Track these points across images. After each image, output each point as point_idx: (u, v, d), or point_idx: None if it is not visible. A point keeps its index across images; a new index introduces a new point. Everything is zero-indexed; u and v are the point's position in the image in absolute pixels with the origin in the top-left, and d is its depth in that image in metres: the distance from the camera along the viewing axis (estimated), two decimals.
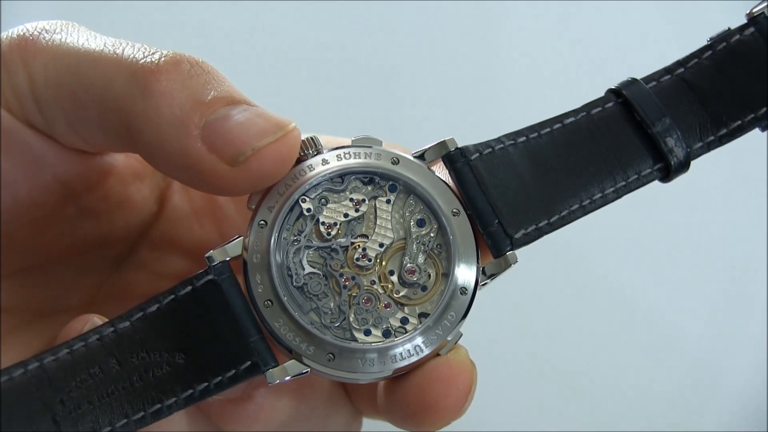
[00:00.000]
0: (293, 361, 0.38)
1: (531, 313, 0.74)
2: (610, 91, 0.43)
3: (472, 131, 0.74)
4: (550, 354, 0.74)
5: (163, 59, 0.37)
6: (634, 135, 0.42)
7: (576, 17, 0.79)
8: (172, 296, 0.39)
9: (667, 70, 0.43)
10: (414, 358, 0.38)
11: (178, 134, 0.37)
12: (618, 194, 0.42)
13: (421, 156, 0.41)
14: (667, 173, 0.42)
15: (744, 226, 0.77)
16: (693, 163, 0.78)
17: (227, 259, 0.39)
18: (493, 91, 0.78)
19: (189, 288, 0.39)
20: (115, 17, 0.78)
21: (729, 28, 0.43)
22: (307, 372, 0.38)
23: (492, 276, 0.40)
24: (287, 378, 0.38)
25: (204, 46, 0.78)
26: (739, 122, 0.43)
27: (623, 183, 0.42)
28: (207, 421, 0.41)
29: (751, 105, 0.43)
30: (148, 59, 0.38)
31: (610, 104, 0.42)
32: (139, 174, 0.46)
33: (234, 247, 0.39)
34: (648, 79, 0.43)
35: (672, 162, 0.42)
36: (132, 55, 0.38)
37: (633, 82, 0.42)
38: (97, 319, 0.39)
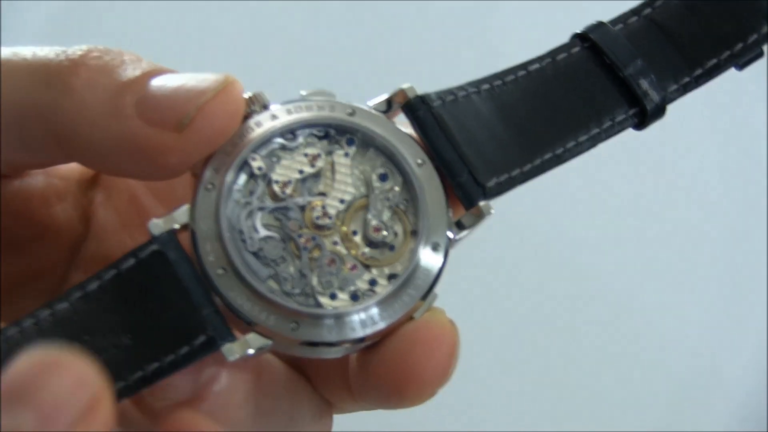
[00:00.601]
0: (253, 333, 0.34)
1: (531, 313, 0.74)
2: (576, 35, 0.40)
3: None
4: (548, 354, 0.74)
5: (76, 53, 0.35)
6: (605, 79, 0.39)
7: (574, 15, 0.80)
8: (115, 271, 0.35)
9: (634, 12, 0.41)
10: (387, 322, 0.35)
11: (112, 120, 0.34)
12: (593, 142, 0.39)
13: (378, 107, 0.38)
14: (642, 119, 0.39)
15: (744, 225, 0.77)
16: (693, 160, 0.79)
17: (174, 228, 0.35)
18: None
19: (132, 261, 0.35)
20: (115, 17, 0.78)
21: None
22: (269, 345, 0.34)
23: (465, 231, 0.37)
24: (250, 352, 0.34)
25: (204, 46, 0.78)
26: (715, 60, 0.40)
27: (597, 130, 0.39)
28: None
29: (725, 42, 0.40)
30: (61, 57, 0.35)
31: (576, 49, 0.40)
32: (60, 194, 0.42)
33: (180, 216, 0.35)
34: (615, 21, 0.40)
35: (647, 106, 0.39)
36: (43, 58, 0.35)
37: (599, 25, 0.40)
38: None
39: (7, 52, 0.36)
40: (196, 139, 0.34)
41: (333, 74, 0.77)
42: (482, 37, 0.79)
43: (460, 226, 0.37)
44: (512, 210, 0.75)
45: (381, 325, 0.35)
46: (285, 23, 0.80)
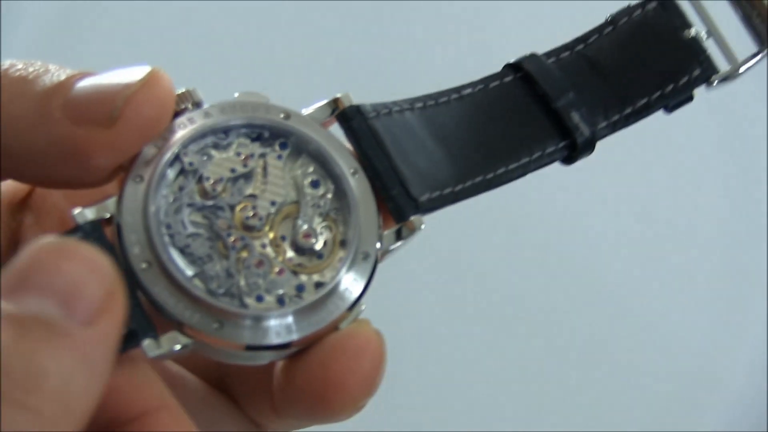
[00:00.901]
0: (174, 332, 0.33)
1: (531, 314, 0.74)
2: (508, 65, 0.40)
3: None
4: (548, 354, 0.74)
5: None
6: (536, 110, 0.39)
7: (572, 15, 0.79)
8: None
9: (566, 47, 0.40)
10: (309, 329, 0.34)
11: (40, 127, 0.33)
12: (524, 171, 0.38)
13: (313, 114, 0.37)
14: (573, 151, 0.39)
15: (744, 225, 0.77)
16: (693, 160, 0.79)
17: (99, 218, 0.34)
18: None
19: None
20: (114, 17, 0.78)
21: (629, 5, 0.41)
22: (189, 344, 0.33)
23: (395, 244, 0.36)
24: (176, 347, 0.33)
25: (204, 46, 0.78)
26: (646, 100, 0.40)
27: (527, 159, 0.38)
28: None
29: (657, 82, 0.40)
30: None
31: (509, 78, 0.39)
32: None
33: (106, 207, 0.34)
34: (547, 55, 0.40)
35: (578, 140, 0.39)
36: None
37: (532, 56, 0.40)
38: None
39: None
40: (126, 133, 0.33)
41: (304, 77, 0.77)
42: (467, 36, 0.79)
43: (389, 239, 0.36)
44: (512, 210, 0.75)
45: (303, 333, 0.34)
46: (278, 26, 0.80)
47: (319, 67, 0.78)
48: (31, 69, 0.34)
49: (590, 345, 0.74)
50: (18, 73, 0.34)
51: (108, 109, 0.33)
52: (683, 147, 0.78)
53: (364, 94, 0.38)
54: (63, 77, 0.34)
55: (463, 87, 0.39)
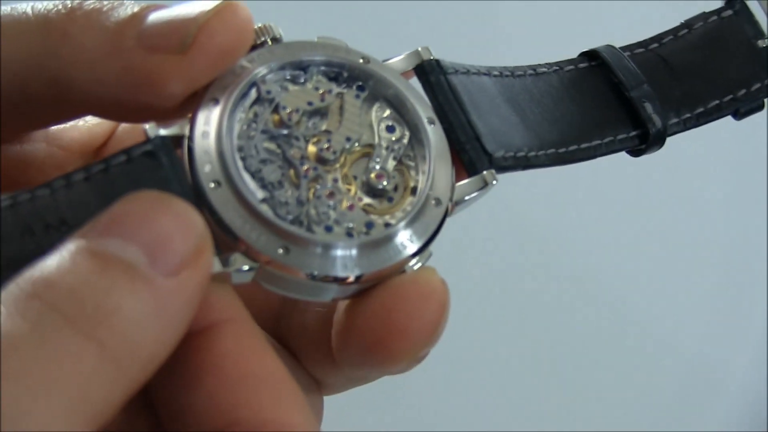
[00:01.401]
0: (237, 254, 0.32)
1: (531, 314, 0.74)
2: (583, 53, 0.40)
3: None
4: (548, 354, 0.74)
5: (71, 2, 0.35)
6: (611, 97, 0.39)
7: (572, 15, 0.80)
8: (103, 166, 0.33)
9: (641, 44, 0.41)
10: (377, 267, 0.33)
11: (113, 57, 0.33)
12: (594, 153, 0.39)
13: (393, 65, 0.37)
14: (643, 142, 0.39)
15: (744, 225, 0.77)
16: (694, 159, 0.79)
17: (172, 135, 0.33)
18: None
19: (123, 157, 0.33)
20: None
21: (704, 11, 0.41)
22: (253, 268, 0.32)
23: (467, 195, 0.36)
24: (240, 268, 0.32)
25: None
26: (717, 102, 0.41)
27: (599, 142, 0.39)
28: None
29: (729, 86, 0.41)
30: (58, 7, 0.35)
31: (584, 64, 0.40)
32: (60, 164, 0.41)
33: (179, 127, 0.34)
34: (622, 49, 0.41)
35: (650, 130, 0.39)
36: (41, 10, 0.35)
37: (609, 46, 0.40)
38: None
39: (6, 9, 0.35)
40: (200, 60, 0.33)
41: None
42: (481, 35, 0.79)
43: (462, 190, 0.36)
44: (513, 210, 0.75)
45: (369, 268, 0.33)
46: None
47: None
48: (105, 1, 0.35)
49: (590, 345, 0.74)
50: (92, 6, 0.34)
51: (181, 36, 0.33)
52: (684, 145, 0.78)
53: None
54: (136, 9, 0.34)
55: (539, 66, 0.39)
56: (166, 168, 0.33)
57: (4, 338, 0.26)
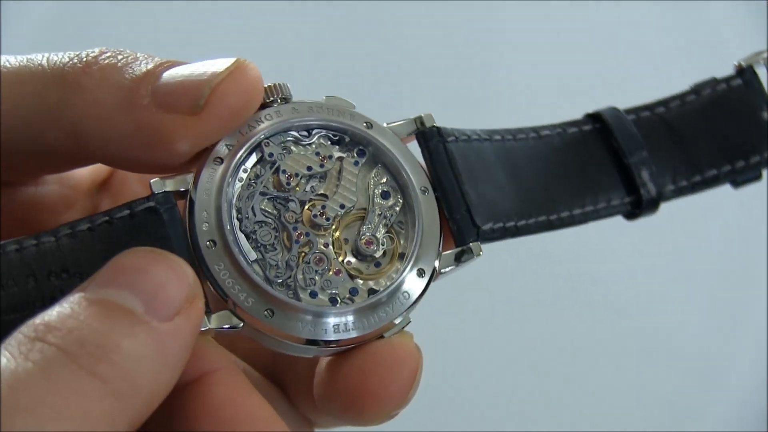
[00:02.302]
0: (226, 311, 0.35)
1: (532, 316, 0.74)
2: (589, 115, 0.42)
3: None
4: (549, 355, 0.74)
5: (86, 57, 0.36)
6: (609, 162, 0.41)
7: (571, 16, 0.80)
8: (107, 218, 0.35)
9: (648, 107, 0.42)
10: (353, 334, 0.35)
11: (127, 113, 0.35)
12: (585, 219, 0.40)
13: (395, 129, 0.39)
14: (636, 207, 0.41)
15: (744, 226, 0.77)
16: None
17: (175, 190, 0.36)
18: (490, 92, 0.78)
19: (126, 212, 0.35)
20: (114, 17, 0.78)
21: (715, 78, 0.42)
22: (239, 327, 0.35)
23: (452, 266, 0.37)
24: (224, 326, 0.34)
25: (206, 46, 0.78)
26: (715, 172, 0.42)
27: (591, 208, 0.40)
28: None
29: (729, 156, 0.42)
30: (74, 60, 0.36)
31: (588, 127, 0.41)
32: (69, 202, 0.43)
33: (184, 181, 0.36)
34: (627, 111, 0.42)
35: (644, 197, 0.40)
36: (57, 62, 0.36)
37: (613, 109, 0.41)
38: None
39: (22, 58, 0.36)
40: (211, 121, 0.35)
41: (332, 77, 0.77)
42: (484, 38, 0.79)
43: (447, 260, 0.37)
44: None
45: (353, 334, 0.35)
46: (284, 24, 0.80)
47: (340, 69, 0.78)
48: (120, 57, 0.36)
49: (591, 345, 0.74)
50: (107, 60, 0.36)
51: (194, 97, 0.34)
52: None
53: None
54: (151, 66, 0.35)
55: (543, 128, 0.41)
56: (167, 225, 0.35)
57: (11, 377, 0.27)
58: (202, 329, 0.33)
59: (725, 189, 0.77)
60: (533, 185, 0.39)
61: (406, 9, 0.79)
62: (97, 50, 0.36)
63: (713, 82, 0.42)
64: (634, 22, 0.79)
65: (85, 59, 0.36)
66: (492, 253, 0.74)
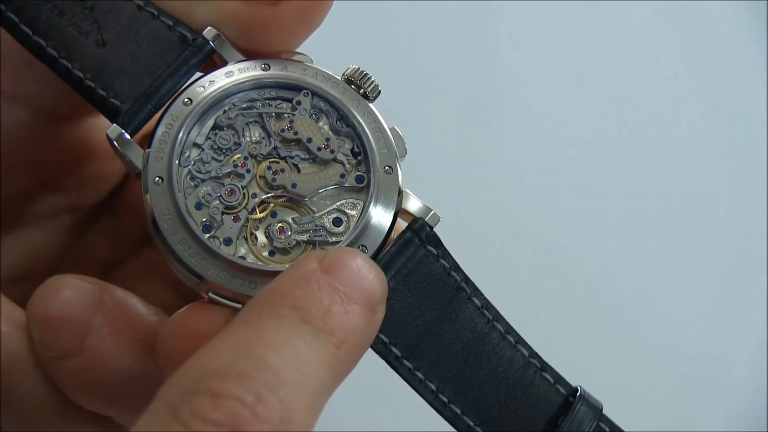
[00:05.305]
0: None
1: (532, 314, 0.74)
2: None
3: (472, 132, 0.74)
4: (549, 354, 0.74)
5: None
6: None
7: (571, 16, 0.80)
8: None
9: None
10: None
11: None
12: None
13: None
14: None
15: (744, 226, 0.77)
16: (694, 159, 0.79)
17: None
18: (491, 94, 0.78)
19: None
20: None
21: None
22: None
23: None
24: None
25: None
26: None
27: None
28: None
29: None
30: None
31: None
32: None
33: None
34: None
35: None
36: None
37: None
38: (72, 280, 0.40)
39: None
40: (290, 11, 0.40)
41: None
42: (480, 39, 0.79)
43: None
44: (513, 210, 0.75)
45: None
46: None
47: None
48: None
49: (591, 345, 0.74)
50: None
51: None
52: (685, 145, 0.78)
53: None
54: None
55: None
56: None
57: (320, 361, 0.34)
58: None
59: (725, 189, 0.78)
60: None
61: (406, 9, 0.79)
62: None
63: None
64: (633, 22, 0.79)
65: None
66: (492, 253, 0.74)
